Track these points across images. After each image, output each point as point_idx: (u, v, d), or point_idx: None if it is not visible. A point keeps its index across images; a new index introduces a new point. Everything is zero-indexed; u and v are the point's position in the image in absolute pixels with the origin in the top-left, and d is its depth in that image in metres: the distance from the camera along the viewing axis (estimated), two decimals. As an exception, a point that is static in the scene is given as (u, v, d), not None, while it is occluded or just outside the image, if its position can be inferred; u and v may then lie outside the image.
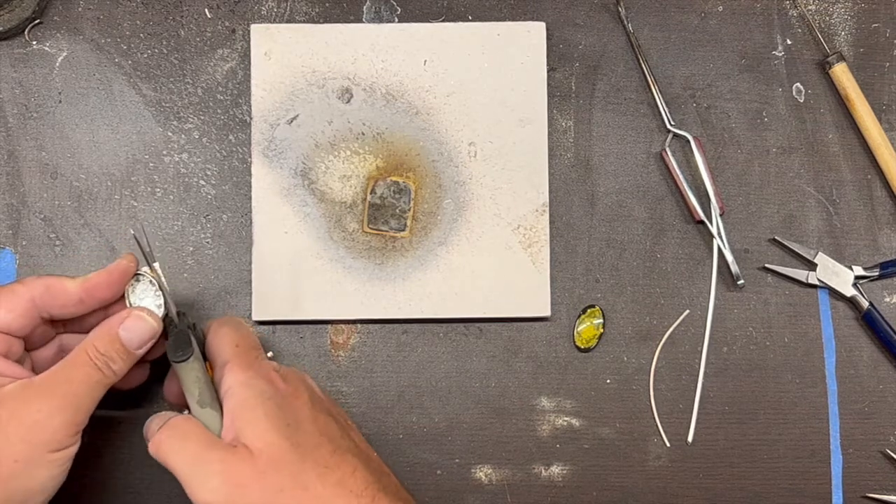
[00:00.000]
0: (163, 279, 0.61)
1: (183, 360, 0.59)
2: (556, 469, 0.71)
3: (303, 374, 0.64)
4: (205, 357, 0.62)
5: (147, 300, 0.61)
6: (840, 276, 0.72)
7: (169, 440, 0.58)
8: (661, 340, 0.72)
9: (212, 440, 0.57)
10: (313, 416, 0.60)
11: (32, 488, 0.56)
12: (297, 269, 0.70)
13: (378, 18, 0.72)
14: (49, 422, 0.55)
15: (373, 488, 0.58)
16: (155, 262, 0.61)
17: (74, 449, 0.57)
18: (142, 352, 0.60)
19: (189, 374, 0.60)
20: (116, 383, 0.61)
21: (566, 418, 0.71)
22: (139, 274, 0.62)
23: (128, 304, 0.61)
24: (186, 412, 0.61)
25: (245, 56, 0.72)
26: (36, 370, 0.62)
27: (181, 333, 0.60)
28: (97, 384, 0.58)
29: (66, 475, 0.57)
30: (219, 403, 0.60)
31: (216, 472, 0.55)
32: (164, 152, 0.71)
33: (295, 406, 0.60)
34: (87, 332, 0.61)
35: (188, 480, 0.56)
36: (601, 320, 0.71)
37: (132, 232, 0.63)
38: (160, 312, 0.61)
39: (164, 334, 0.61)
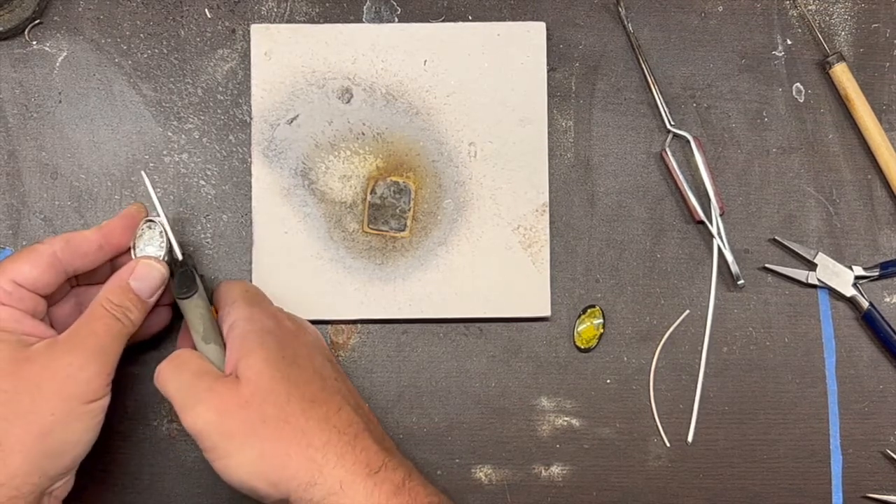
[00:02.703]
0: (167, 223, 0.63)
1: (188, 297, 0.61)
2: (556, 469, 0.71)
3: (313, 326, 0.67)
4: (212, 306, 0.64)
5: (151, 247, 0.63)
6: (840, 276, 0.72)
7: (166, 368, 0.60)
8: (661, 340, 0.72)
9: (206, 369, 0.60)
10: (310, 354, 0.62)
11: (70, 440, 0.57)
12: (297, 269, 0.70)
13: (378, 18, 0.72)
14: (80, 374, 0.57)
15: (356, 427, 0.59)
16: (160, 213, 0.63)
17: (107, 400, 0.59)
18: (154, 299, 0.62)
19: (194, 311, 0.62)
20: (142, 331, 0.64)
21: (566, 418, 0.71)
22: (149, 220, 0.64)
23: (132, 252, 0.63)
24: None
25: (245, 56, 0.72)
26: (55, 325, 0.63)
27: (186, 272, 0.62)
28: (118, 333, 0.60)
29: (100, 428, 0.59)
30: (223, 341, 0.62)
31: (203, 398, 0.57)
32: (164, 152, 0.71)
33: (295, 344, 0.62)
34: (100, 282, 0.63)
35: (179, 406, 0.58)
36: (601, 320, 0.71)
37: (143, 173, 0.65)
38: (164, 257, 0.63)
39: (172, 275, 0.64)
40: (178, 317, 0.67)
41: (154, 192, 0.63)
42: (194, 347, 0.63)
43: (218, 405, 0.57)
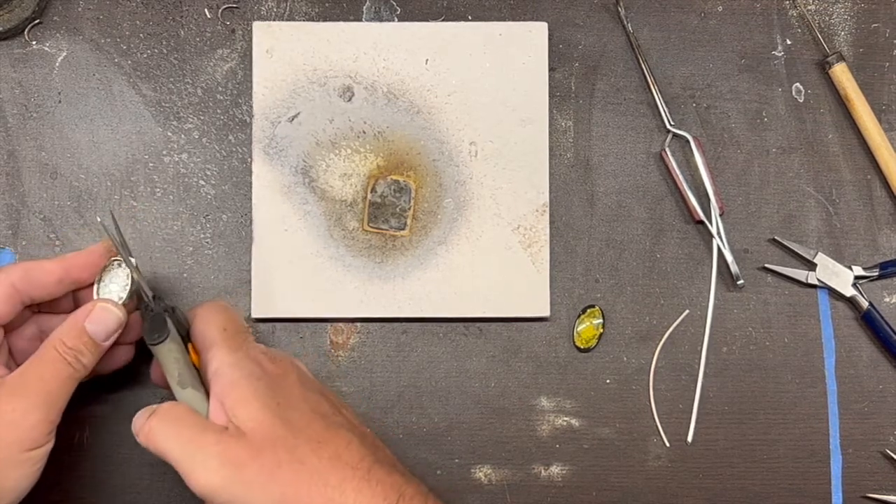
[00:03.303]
0: (134, 265, 0.61)
1: (160, 342, 0.59)
2: (555, 469, 0.70)
3: (291, 356, 0.65)
4: (188, 341, 0.62)
5: (114, 286, 0.62)
6: (840, 276, 0.72)
7: (160, 426, 0.57)
8: (660, 340, 0.72)
9: (204, 423, 0.58)
10: (303, 394, 0.60)
11: (5, 487, 0.55)
12: (297, 266, 0.69)
13: (378, 18, 0.72)
14: (23, 421, 0.55)
15: (368, 460, 0.58)
16: (130, 255, 0.62)
17: (49, 447, 0.57)
18: (109, 343, 0.60)
19: (168, 356, 0.60)
20: (100, 366, 0.61)
21: (566, 418, 0.71)
22: (114, 260, 0.62)
23: (95, 288, 0.62)
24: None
25: (244, 56, 0.72)
26: (14, 353, 0.62)
27: (157, 316, 0.60)
28: (68, 379, 0.58)
29: (40, 474, 0.57)
30: (202, 385, 0.60)
31: (213, 453, 0.55)
32: (164, 152, 0.71)
33: (284, 386, 0.60)
34: (62, 311, 0.61)
35: (185, 464, 0.56)
36: (601, 320, 0.71)
37: (99, 220, 0.63)
38: (125, 299, 0.61)
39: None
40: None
41: (121, 236, 0.61)
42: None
43: (232, 458, 0.55)
